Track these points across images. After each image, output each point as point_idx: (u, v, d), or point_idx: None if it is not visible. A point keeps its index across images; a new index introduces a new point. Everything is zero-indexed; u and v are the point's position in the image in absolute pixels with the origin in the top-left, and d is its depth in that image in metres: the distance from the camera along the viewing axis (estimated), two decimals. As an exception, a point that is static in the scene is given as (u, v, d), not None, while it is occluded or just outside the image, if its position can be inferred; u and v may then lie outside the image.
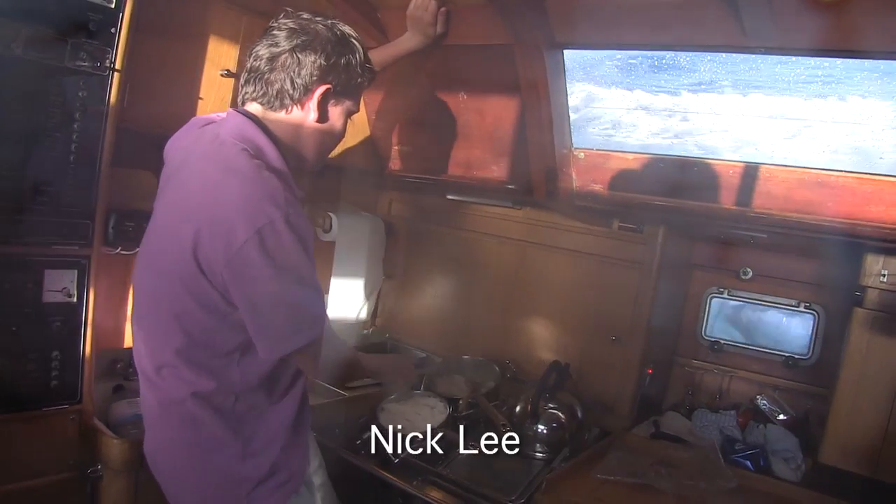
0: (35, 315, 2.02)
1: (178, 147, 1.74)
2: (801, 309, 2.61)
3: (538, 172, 2.47)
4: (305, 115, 1.68)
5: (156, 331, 1.68)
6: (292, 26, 1.63)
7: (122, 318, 2.49)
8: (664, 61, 2.25)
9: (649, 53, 2.27)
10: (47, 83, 1.94)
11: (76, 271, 2.09)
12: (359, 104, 1.83)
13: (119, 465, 2.09)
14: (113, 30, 2.04)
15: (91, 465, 2.11)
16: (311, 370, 1.73)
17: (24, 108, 1.91)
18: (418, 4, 2.33)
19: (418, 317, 3.42)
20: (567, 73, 2.30)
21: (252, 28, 2.45)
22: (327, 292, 3.21)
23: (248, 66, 1.67)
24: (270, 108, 1.67)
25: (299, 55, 1.61)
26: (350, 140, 2.79)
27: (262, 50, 1.64)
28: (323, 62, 1.63)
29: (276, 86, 1.64)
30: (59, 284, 2.06)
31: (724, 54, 2.11)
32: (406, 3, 2.35)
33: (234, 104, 1.94)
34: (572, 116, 2.38)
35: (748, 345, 2.73)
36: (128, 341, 2.48)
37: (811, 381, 2.59)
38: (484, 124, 2.57)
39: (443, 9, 2.34)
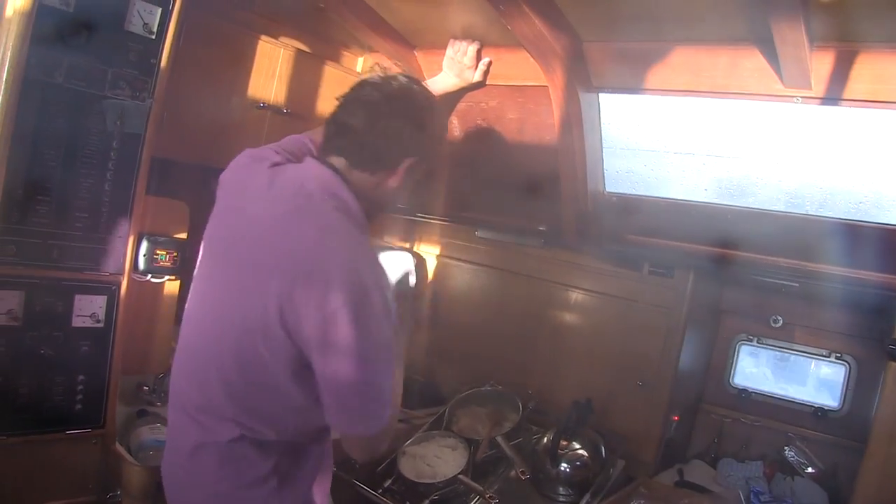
0: (63, 339, 2.04)
1: (245, 186, 1.66)
2: (833, 359, 2.58)
3: (569, 214, 2.47)
4: (388, 178, 1.64)
5: (211, 376, 1.61)
6: (390, 92, 1.60)
7: (150, 344, 2.47)
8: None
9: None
10: (87, 111, 1.97)
11: (106, 297, 2.11)
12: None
13: (138, 492, 2.07)
14: (153, 60, 2.06)
15: (111, 490, 2.11)
16: (360, 455, 1.68)
17: (63, 134, 1.94)
18: (457, 48, 2.34)
19: (443, 350, 3.39)
20: (602, 116, 2.29)
21: (289, 61, 2.49)
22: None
23: (340, 119, 1.63)
24: (359, 167, 1.61)
25: (398, 124, 1.59)
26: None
27: (359, 109, 1.60)
28: (417, 134, 1.61)
29: (371, 150, 1.60)
30: (88, 309, 2.07)
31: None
32: (444, 44, 2.36)
33: (269, 139, 1.91)
34: (606, 159, 2.37)
35: (776, 394, 2.69)
36: (154, 367, 2.49)
37: (841, 434, 2.54)
38: (516, 163, 2.57)
39: (487, 59, 2.36)
